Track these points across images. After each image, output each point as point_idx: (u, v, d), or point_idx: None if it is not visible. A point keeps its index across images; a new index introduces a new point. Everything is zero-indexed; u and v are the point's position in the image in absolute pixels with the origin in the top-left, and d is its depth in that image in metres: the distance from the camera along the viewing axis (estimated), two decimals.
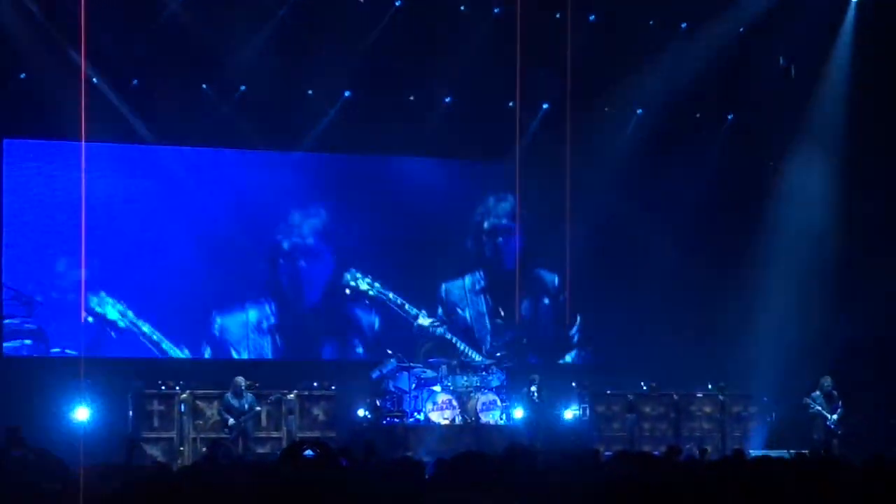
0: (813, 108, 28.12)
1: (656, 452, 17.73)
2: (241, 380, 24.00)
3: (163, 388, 24.83)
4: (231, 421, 23.69)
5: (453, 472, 5.71)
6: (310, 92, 27.41)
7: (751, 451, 20.65)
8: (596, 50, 27.30)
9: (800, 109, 28.17)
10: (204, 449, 22.79)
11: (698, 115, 29.28)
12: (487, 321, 29.21)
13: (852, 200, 27.24)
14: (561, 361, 29.32)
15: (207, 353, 27.31)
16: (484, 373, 26.16)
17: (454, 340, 27.64)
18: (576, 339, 29.63)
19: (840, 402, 24.79)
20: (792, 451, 17.01)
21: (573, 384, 26.98)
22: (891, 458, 14.60)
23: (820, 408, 24.81)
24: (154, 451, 24.03)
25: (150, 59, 25.81)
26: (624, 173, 28.36)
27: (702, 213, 28.82)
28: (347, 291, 28.06)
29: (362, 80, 27.37)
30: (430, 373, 26.01)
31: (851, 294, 26.99)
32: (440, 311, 28.63)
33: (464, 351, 27.44)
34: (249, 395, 24.04)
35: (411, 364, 26.07)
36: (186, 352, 27.04)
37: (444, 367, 26.08)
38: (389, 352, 26.41)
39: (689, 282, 28.66)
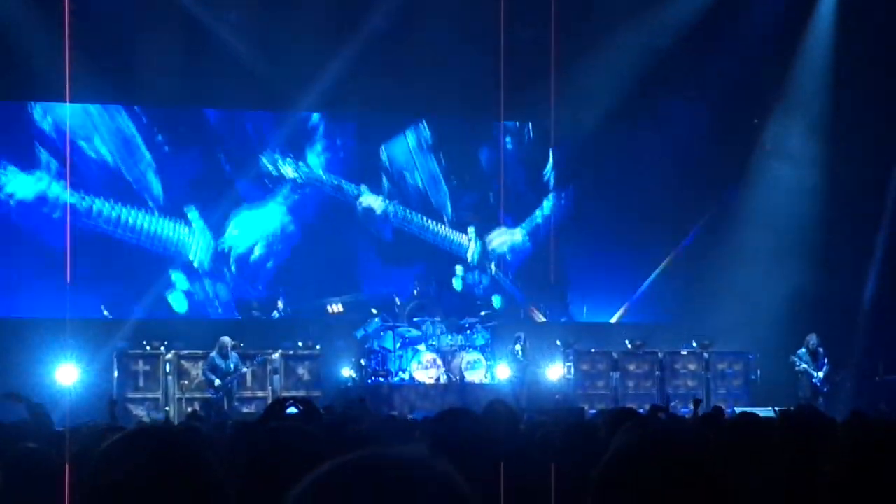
0: (797, 65, 28.10)
1: (641, 410, 17.72)
2: (227, 340, 23.97)
3: (147, 348, 24.85)
4: (217, 381, 23.69)
5: (438, 426, 5.69)
6: None
7: (735, 409, 20.67)
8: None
9: (784, 66, 28.13)
10: (190, 409, 22.82)
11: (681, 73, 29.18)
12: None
13: (835, 158, 27.22)
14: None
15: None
16: (469, 331, 26.16)
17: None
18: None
19: (826, 360, 24.88)
20: (777, 408, 17.02)
21: (558, 342, 27.00)
22: (872, 414, 14.63)
23: (806, 365, 24.91)
24: (139, 411, 24.07)
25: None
26: (611, 122, 28.24)
27: (688, 171, 28.80)
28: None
29: None
30: (414, 332, 26.00)
31: (835, 251, 27.04)
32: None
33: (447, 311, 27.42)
34: (235, 356, 24.01)
35: (396, 323, 26.07)
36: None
37: (428, 326, 26.08)
38: (374, 311, 26.40)
39: (673, 239, 28.70)
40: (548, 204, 29.54)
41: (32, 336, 24.31)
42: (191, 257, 27.48)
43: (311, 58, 26.27)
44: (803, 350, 24.94)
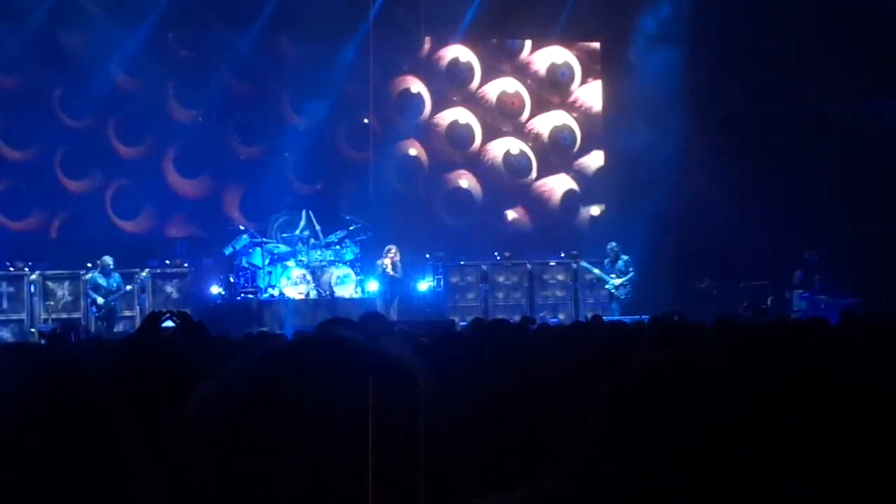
0: None
1: (511, 321, 17.88)
2: (108, 259, 23.76)
3: (10, 268, 24.47)
4: (100, 300, 23.51)
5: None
6: None
7: (605, 318, 20.92)
8: None
9: None
10: (56, 329, 22.56)
11: None
12: None
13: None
14: None
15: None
16: (338, 246, 26.09)
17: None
18: None
19: (630, 267, 25.14)
20: (644, 315, 17.28)
21: (427, 255, 27.09)
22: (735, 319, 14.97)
23: (598, 271, 25.31)
24: (4, 333, 23.75)
25: None
26: None
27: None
28: None
29: None
30: (283, 248, 25.89)
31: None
32: None
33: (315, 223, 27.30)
34: (117, 275, 23.85)
35: (264, 240, 25.93)
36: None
37: (297, 241, 25.97)
38: (242, 227, 26.24)
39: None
40: None
41: None
42: None
43: None
44: (607, 260, 25.28)
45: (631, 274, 25.10)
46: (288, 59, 28.70)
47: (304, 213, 26.32)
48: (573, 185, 29.94)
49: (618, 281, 24.98)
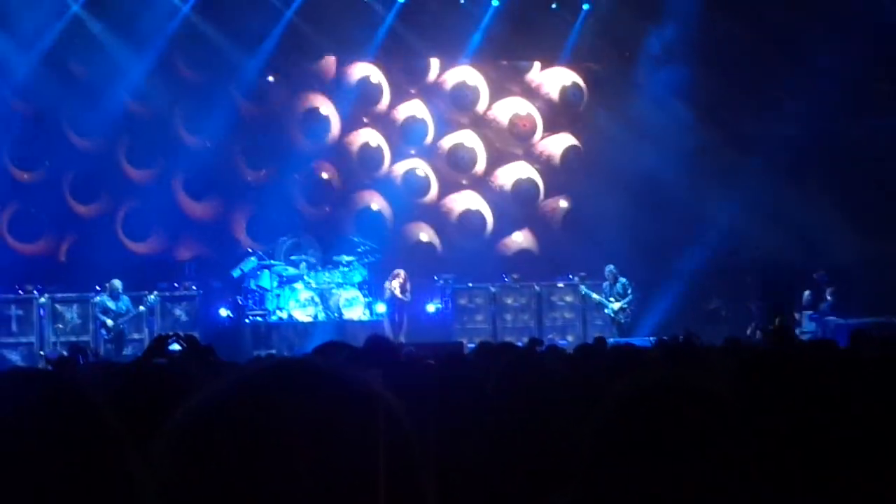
0: None
1: (519, 343, 17.87)
2: (117, 282, 23.95)
3: (20, 291, 24.52)
4: (109, 322, 23.59)
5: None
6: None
7: (610, 340, 20.87)
8: None
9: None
10: (64, 353, 22.58)
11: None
12: None
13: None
14: None
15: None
16: (346, 269, 26.11)
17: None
18: None
19: (629, 290, 25.14)
20: (652, 337, 17.26)
21: (435, 277, 27.08)
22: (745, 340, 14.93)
23: (597, 296, 25.29)
24: (13, 357, 23.77)
25: None
26: None
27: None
28: None
29: None
30: (291, 270, 25.91)
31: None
32: None
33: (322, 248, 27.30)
34: (126, 298, 23.97)
35: (272, 262, 25.95)
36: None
37: (305, 263, 25.99)
38: (250, 250, 26.27)
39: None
40: None
41: None
42: None
43: None
44: (606, 283, 25.28)
45: (630, 297, 25.08)
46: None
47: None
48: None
49: (616, 305, 24.95)
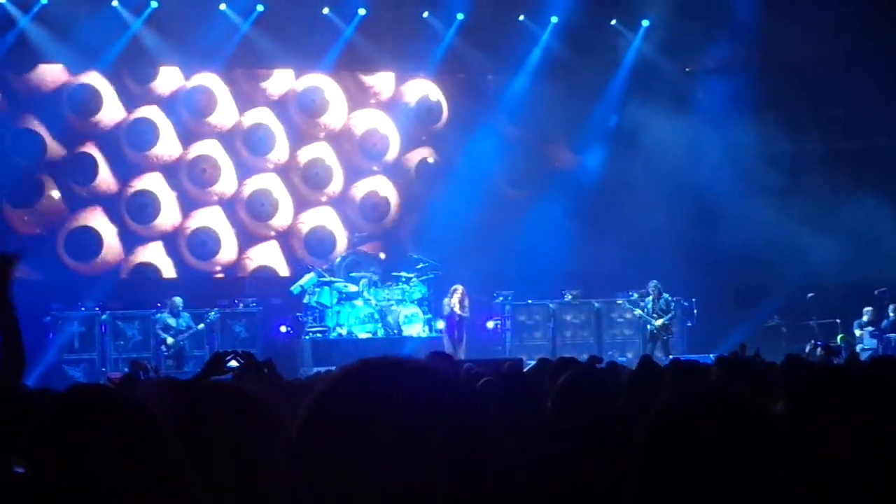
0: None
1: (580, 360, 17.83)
2: (178, 299, 24.28)
3: (83, 309, 24.73)
4: (170, 339, 23.84)
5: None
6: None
7: (670, 356, 20.80)
8: None
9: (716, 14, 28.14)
10: (126, 369, 22.73)
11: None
12: None
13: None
14: None
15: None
16: (406, 285, 26.14)
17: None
18: None
19: (672, 306, 25.01)
20: (713, 354, 17.18)
21: (494, 294, 27.06)
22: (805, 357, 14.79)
23: (640, 311, 25.12)
24: (75, 373, 23.94)
25: None
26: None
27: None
28: None
29: None
30: (351, 287, 25.97)
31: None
32: None
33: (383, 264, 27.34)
34: (186, 315, 24.22)
35: (332, 279, 26.01)
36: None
37: (365, 280, 26.05)
38: (310, 267, 26.34)
39: (609, 190, 28.72)
40: None
41: None
42: None
43: None
44: (650, 298, 25.14)
45: (672, 313, 24.97)
46: None
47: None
48: None
49: (659, 321, 24.83)
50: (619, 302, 25.87)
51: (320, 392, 2.14)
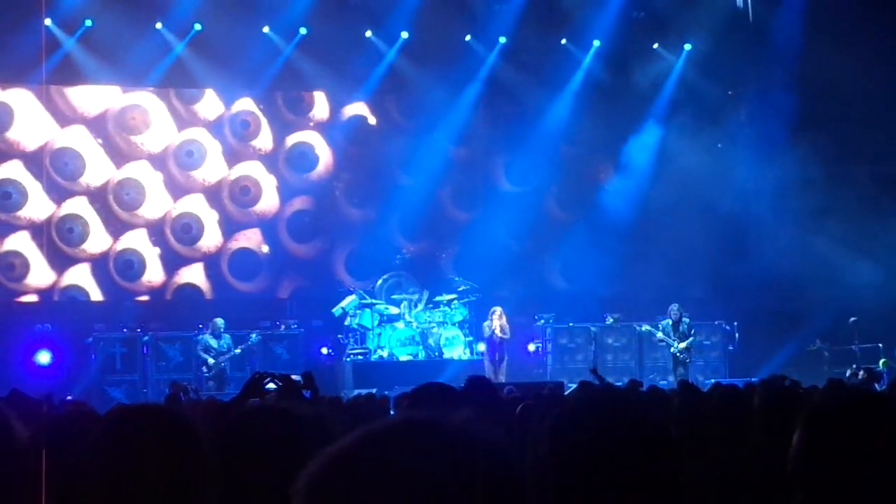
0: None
1: (619, 384, 17.80)
2: (220, 321, 24.35)
3: (125, 330, 24.87)
4: (210, 360, 23.95)
5: (414, 401, 5.70)
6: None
7: (713, 380, 20.69)
8: None
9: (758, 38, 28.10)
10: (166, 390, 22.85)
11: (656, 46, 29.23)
12: None
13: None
14: None
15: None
16: (447, 308, 26.14)
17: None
18: None
19: (691, 330, 24.82)
20: (754, 378, 17.10)
21: (535, 316, 27.03)
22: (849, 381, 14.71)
23: (662, 335, 24.90)
24: (117, 394, 24.06)
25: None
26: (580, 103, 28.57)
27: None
28: None
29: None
30: (392, 309, 25.99)
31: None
32: None
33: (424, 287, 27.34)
34: (227, 337, 24.32)
35: (374, 301, 26.04)
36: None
37: (406, 302, 26.07)
38: (351, 289, 26.38)
39: (650, 213, 28.66)
40: None
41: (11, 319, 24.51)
42: None
43: None
44: (667, 321, 24.94)
45: (692, 338, 24.77)
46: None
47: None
48: None
49: (682, 345, 24.65)
50: (645, 328, 25.56)
51: (339, 449, 2.05)
